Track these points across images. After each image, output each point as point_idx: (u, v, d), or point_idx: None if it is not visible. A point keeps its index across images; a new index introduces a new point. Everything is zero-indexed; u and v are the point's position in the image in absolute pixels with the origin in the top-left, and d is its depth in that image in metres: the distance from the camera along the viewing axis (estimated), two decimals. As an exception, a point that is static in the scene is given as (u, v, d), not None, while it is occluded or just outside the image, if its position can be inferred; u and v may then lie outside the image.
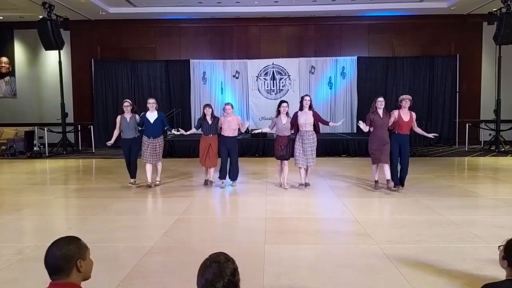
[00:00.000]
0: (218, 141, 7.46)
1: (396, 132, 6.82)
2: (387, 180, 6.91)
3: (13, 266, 3.83)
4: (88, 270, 1.85)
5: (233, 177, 7.50)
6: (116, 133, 7.56)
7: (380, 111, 6.81)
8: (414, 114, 6.85)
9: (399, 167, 6.95)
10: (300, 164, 7.11)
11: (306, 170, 7.22)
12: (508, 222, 5.06)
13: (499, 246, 2.23)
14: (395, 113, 6.81)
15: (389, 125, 6.86)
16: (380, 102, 6.79)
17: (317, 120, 7.12)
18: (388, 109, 7.03)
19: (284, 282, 3.40)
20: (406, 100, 6.77)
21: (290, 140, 7.19)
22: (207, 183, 7.54)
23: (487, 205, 6.17)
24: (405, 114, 6.78)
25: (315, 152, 7.10)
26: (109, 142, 7.55)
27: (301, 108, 7.08)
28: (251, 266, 3.61)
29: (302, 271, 3.66)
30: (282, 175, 7.31)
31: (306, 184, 7.25)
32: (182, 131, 7.65)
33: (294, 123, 7.07)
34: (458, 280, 3.38)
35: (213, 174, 7.60)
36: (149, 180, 7.44)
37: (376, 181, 7.08)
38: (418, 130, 7.16)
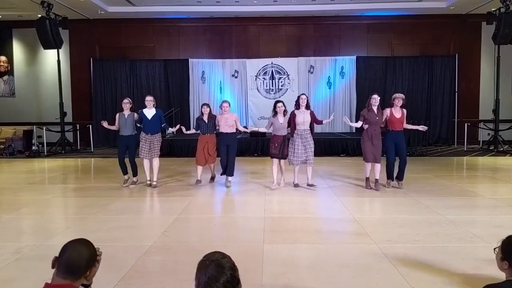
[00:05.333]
0: (217, 140, 7.45)
1: (390, 129, 6.95)
2: (376, 180, 7.00)
3: (11, 265, 3.82)
4: (94, 275, 1.86)
5: (229, 173, 7.37)
6: (112, 127, 7.58)
7: (375, 108, 6.91)
8: (405, 111, 6.98)
9: (397, 163, 7.02)
10: (295, 163, 7.10)
11: (308, 170, 7.22)
12: (507, 222, 5.07)
13: (494, 248, 2.20)
14: (387, 111, 6.96)
15: (381, 122, 6.98)
16: (375, 99, 6.90)
17: (313, 120, 7.12)
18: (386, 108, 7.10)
19: (283, 281, 3.40)
20: (398, 98, 6.94)
21: (285, 139, 7.16)
22: (198, 183, 7.41)
23: (486, 205, 6.18)
24: (397, 112, 6.94)
25: (313, 150, 7.13)
26: (104, 123, 7.57)
27: (297, 107, 7.09)
28: (249, 266, 3.61)
29: (301, 271, 3.65)
30: (273, 175, 7.25)
31: (311, 185, 7.17)
32: (182, 128, 7.63)
33: (291, 122, 7.07)
34: (457, 279, 3.38)
35: (214, 170, 7.61)
36: (148, 177, 7.45)
37: (367, 178, 7.15)
38: (408, 126, 7.29)
